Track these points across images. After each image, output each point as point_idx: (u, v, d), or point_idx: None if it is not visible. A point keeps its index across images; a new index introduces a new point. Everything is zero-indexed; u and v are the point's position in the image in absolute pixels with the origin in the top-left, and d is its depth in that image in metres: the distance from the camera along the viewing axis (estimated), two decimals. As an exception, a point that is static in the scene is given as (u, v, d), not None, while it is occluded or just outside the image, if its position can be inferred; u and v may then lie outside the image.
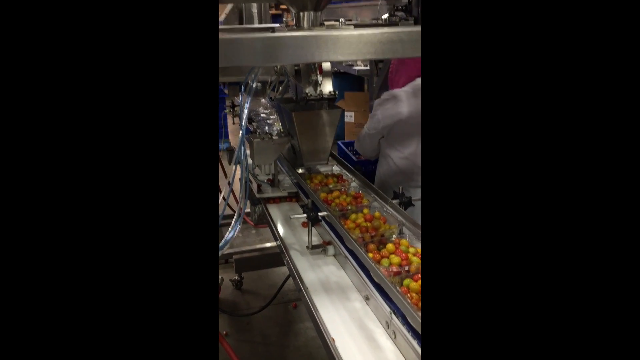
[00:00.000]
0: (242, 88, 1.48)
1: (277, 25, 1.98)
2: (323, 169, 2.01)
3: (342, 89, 4.61)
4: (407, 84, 2.23)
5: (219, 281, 3.32)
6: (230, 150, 2.93)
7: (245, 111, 1.48)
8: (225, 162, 3.67)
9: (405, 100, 2.13)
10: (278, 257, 1.67)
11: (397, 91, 2.17)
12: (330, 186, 1.75)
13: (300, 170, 1.94)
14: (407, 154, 2.16)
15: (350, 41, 1.11)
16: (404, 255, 1.28)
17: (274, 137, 1.87)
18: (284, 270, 3.23)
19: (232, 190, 2.23)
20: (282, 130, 2.08)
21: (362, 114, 4.42)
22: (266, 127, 2.28)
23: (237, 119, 3.21)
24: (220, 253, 1.45)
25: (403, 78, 2.27)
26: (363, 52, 1.13)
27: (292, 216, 1.54)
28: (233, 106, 3.21)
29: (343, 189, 1.73)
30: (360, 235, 1.38)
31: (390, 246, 1.32)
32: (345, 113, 4.44)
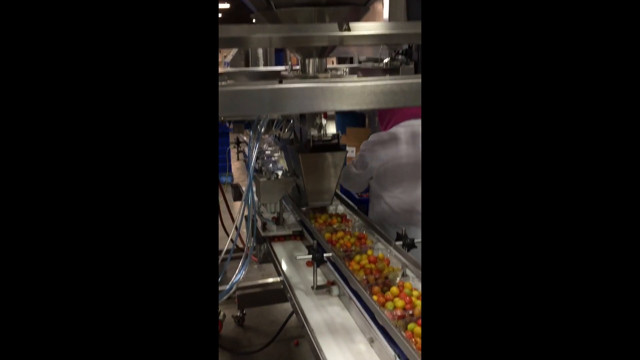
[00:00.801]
0: (251, 133, 1.53)
1: (283, 68, 2.05)
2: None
3: (344, 124, 4.70)
4: (397, 124, 2.31)
5: (221, 317, 3.31)
6: (235, 187, 2.97)
7: (254, 156, 1.52)
8: (229, 197, 3.70)
9: (393, 144, 2.22)
10: (280, 293, 1.68)
11: (385, 134, 2.25)
12: (335, 226, 1.79)
13: (304, 209, 1.98)
14: (398, 194, 2.22)
15: (355, 92, 1.16)
16: (407, 298, 1.30)
17: (280, 177, 1.91)
18: (285, 306, 3.21)
19: (236, 227, 2.26)
20: (286, 169, 2.13)
21: (363, 149, 4.50)
22: (270, 165, 2.33)
23: (241, 155, 3.28)
24: (227, 296, 1.47)
25: (394, 119, 2.36)
26: (367, 102, 1.18)
27: (297, 257, 1.57)
28: (238, 142, 3.28)
29: (347, 229, 1.76)
30: (364, 277, 1.40)
31: (394, 289, 1.34)
32: (347, 148, 4.50)
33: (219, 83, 1.19)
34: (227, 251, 1.61)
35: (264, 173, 1.98)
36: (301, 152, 1.81)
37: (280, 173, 1.96)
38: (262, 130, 1.56)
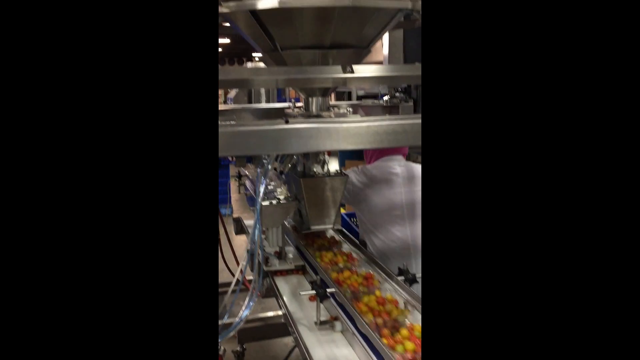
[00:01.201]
0: (258, 170, 1.56)
1: (286, 105, 2.11)
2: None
3: (343, 157, 4.77)
4: (379, 159, 2.41)
5: (221, 352, 3.26)
6: (237, 220, 2.98)
7: (261, 192, 1.55)
8: (230, 229, 3.71)
9: (384, 183, 2.32)
10: (282, 327, 1.68)
11: (374, 170, 2.34)
12: (340, 265, 1.80)
13: (304, 237, 2.00)
14: (394, 231, 2.31)
15: (358, 132, 1.21)
16: (418, 341, 1.30)
17: (281, 201, 1.93)
18: (286, 340, 3.18)
19: (237, 261, 2.27)
20: (288, 194, 2.16)
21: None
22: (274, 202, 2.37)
23: (242, 188, 3.30)
24: (233, 332, 1.48)
25: (377, 152, 2.47)
26: (370, 142, 1.22)
27: (301, 292, 1.58)
28: (239, 176, 3.31)
29: (353, 268, 1.77)
30: (373, 320, 1.40)
31: (404, 332, 1.34)
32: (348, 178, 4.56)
33: (227, 122, 1.23)
34: (235, 283, 1.62)
35: (265, 197, 2.01)
36: (302, 177, 1.85)
37: (282, 197, 1.99)
38: (270, 167, 1.60)
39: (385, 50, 2.09)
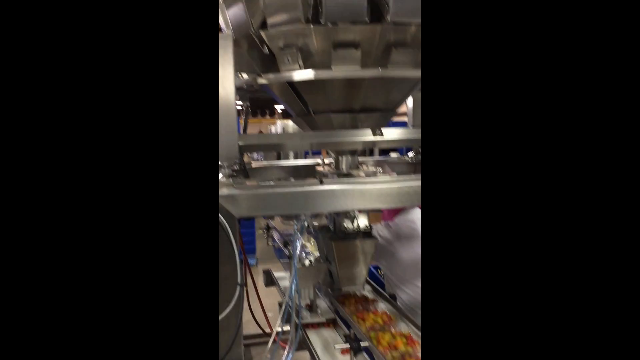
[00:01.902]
0: (295, 227, 1.64)
1: (315, 161, 2.21)
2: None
3: (367, 207, 4.84)
4: (395, 216, 2.51)
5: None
6: (267, 273, 3.04)
7: (298, 250, 1.62)
8: (259, 281, 3.75)
9: (409, 238, 2.38)
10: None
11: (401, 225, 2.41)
12: (380, 326, 1.80)
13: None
14: (411, 293, 2.37)
15: (388, 193, 1.29)
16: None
17: (313, 263, 2.00)
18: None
19: (264, 313, 2.32)
20: (319, 255, 2.22)
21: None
22: (303, 254, 2.43)
23: (270, 240, 3.38)
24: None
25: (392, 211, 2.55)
26: (396, 202, 1.31)
27: (335, 346, 1.62)
28: (267, 228, 3.40)
29: (393, 330, 1.77)
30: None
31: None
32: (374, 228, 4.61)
33: (266, 183, 1.33)
34: (274, 336, 1.66)
35: (298, 260, 2.08)
36: (334, 239, 1.92)
37: (313, 259, 2.05)
38: (306, 224, 1.68)
39: (410, 110, 2.19)
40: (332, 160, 1.91)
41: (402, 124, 2.58)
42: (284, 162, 2.38)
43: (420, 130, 1.75)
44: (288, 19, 1.38)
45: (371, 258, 1.97)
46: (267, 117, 12.50)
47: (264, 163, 2.46)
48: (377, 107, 1.61)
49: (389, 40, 1.40)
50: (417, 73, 1.47)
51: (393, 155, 2.66)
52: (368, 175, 1.65)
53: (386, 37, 1.39)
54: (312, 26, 1.36)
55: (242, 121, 2.01)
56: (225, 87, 1.29)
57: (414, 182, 1.28)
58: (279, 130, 3.20)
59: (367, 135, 1.48)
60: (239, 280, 1.17)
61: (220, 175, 1.40)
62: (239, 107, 1.88)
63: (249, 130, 1.96)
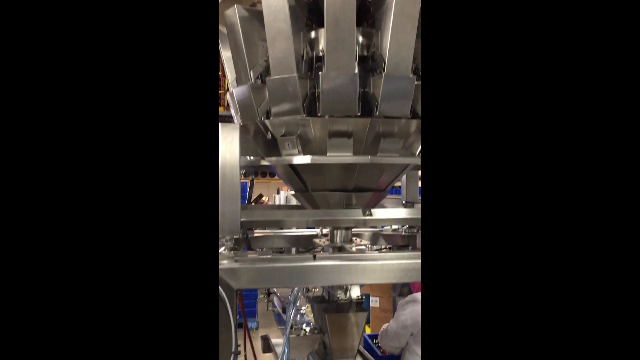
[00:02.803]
0: (289, 297, 1.75)
1: (314, 232, 2.33)
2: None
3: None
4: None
5: None
6: (265, 339, 3.09)
7: (291, 318, 1.72)
8: (258, 346, 3.76)
9: None
10: None
11: (419, 295, 2.45)
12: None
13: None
14: None
15: (380, 269, 1.41)
16: None
17: (308, 334, 2.08)
18: None
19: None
20: (314, 323, 2.30)
21: (386, 299, 4.61)
22: (298, 317, 2.49)
23: (270, 304, 3.43)
24: None
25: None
26: (387, 278, 1.42)
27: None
28: (268, 293, 3.47)
29: None
30: None
31: None
32: (371, 298, 4.63)
33: (265, 256, 1.45)
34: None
35: (292, 327, 2.15)
36: (327, 312, 2.01)
37: (308, 329, 2.12)
38: (299, 295, 1.78)
39: (404, 186, 2.33)
40: (328, 231, 2.04)
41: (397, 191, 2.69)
42: (285, 232, 2.50)
43: (410, 210, 1.89)
44: (289, 109, 1.57)
45: (363, 329, 2.05)
46: (276, 178, 12.77)
47: (265, 232, 2.59)
48: (369, 187, 1.76)
49: (378, 131, 1.58)
50: (404, 160, 1.63)
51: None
52: (360, 249, 1.77)
53: (375, 128, 1.57)
54: (310, 118, 1.54)
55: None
56: (231, 167, 1.45)
57: (402, 261, 1.41)
58: (282, 199, 3.36)
59: (358, 215, 1.62)
60: (233, 348, 1.27)
61: (222, 248, 1.53)
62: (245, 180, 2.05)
63: (255, 190, 2.10)
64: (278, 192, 7.41)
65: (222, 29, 1.80)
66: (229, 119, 1.77)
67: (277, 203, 3.69)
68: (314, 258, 1.44)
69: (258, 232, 2.45)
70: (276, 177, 2.00)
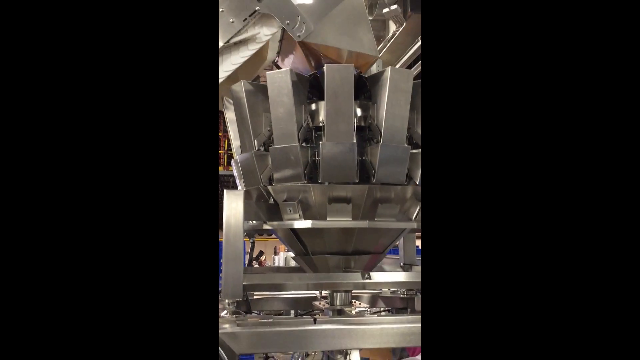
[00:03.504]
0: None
1: (315, 293, 2.35)
2: None
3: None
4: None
5: None
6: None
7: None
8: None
9: None
10: None
11: (418, 358, 2.43)
12: None
13: None
14: None
15: (378, 334, 1.43)
16: None
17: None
18: None
19: None
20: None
21: (387, 363, 4.50)
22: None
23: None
24: None
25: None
26: (385, 342, 1.44)
27: None
28: (266, 357, 3.42)
29: None
30: None
31: None
32: (371, 362, 4.53)
33: (266, 319, 1.48)
34: None
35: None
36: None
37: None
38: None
39: (401, 248, 2.37)
40: (327, 293, 2.06)
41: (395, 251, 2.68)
42: (284, 294, 2.52)
43: (408, 273, 1.93)
44: (291, 176, 1.65)
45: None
46: (273, 236, 12.72)
47: (264, 294, 2.60)
48: (368, 250, 1.81)
49: (375, 197, 1.65)
50: (401, 225, 1.70)
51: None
52: (359, 312, 1.79)
53: (373, 194, 1.64)
54: (311, 184, 1.62)
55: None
56: (235, 232, 1.51)
57: (401, 324, 1.44)
58: (282, 260, 3.38)
59: (357, 279, 1.66)
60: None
61: (224, 312, 1.56)
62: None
63: (257, 248, 2.14)
64: (276, 252, 7.41)
65: (228, 100, 1.92)
66: (227, 179, 1.85)
67: (276, 264, 3.70)
68: (315, 322, 1.47)
69: (257, 294, 2.46)
70: (273, 234, 2.05)
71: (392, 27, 6.63)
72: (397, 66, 5.37)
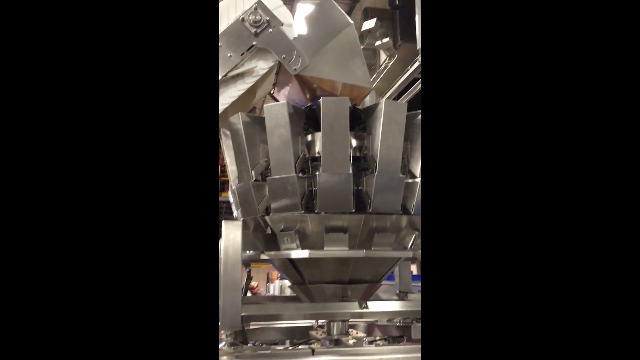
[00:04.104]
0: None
1: (311, 323, 2.34)
2: None
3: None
4: None
5: None
6: None
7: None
8: None
9: None
10: None
11: None
12: None
13: None
14: None
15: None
16: None
17: None
18: None
19: None
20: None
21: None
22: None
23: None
24: None
25: None
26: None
27: None
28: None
29: None
30: None
31: None
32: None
33: (262, 351, 1.47)
34: None
35: None
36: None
37: None
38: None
39: (397, 276, 2.38)
40: (323, 322, 2.06)
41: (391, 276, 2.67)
42: (280, 324, 2.50)
43: (405, 302, 1.94)
44: (288, 206, 1.67)
45: None
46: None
47: (260, 324, 2.58)
48: (364, 279, 1.83)
49: (372, 226, 1.68)
50: (397, 254, 1.72)
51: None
52: (356, 342, 1.79)
53: (369, 224, 1.67)
54: (308, 214, 1.65)
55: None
56: (233, 263, 1.51)
57: (399, 354, 1.44)
58: (277, 288, 3.36)
59: (355, 308, 1.67)
60: None
61: (222, 344, 1.55)
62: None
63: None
64: (269, 279, 7.34)
65: (224, 132, 1.95)
66: (220, 205, 1.86)
67: (271, 293, 3.67)
68: (313, 353, 1.47)
69: (253, 324, 2.44)
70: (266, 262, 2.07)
71: (383, 55, 6.79)
72: (389, 94, 5.48)
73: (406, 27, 5.64)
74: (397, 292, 2.25)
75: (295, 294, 2.08)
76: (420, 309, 1.63)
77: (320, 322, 2.25)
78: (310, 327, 2.24)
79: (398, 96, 5.56)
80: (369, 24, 3.70)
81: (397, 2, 5.96)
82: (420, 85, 5.25)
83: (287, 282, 2.88)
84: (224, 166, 2.02)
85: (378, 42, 3.87)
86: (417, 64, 4.89)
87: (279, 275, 5.91)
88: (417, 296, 2.14)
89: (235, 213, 1.94)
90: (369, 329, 2.20)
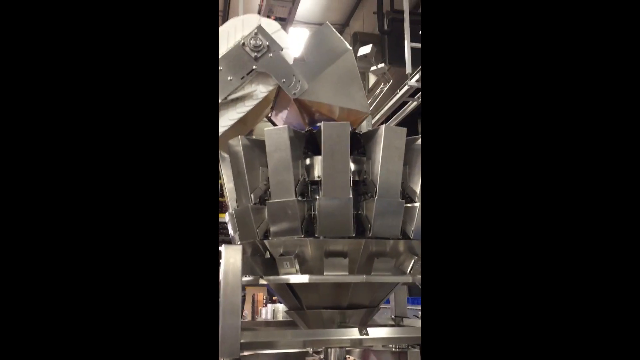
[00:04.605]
0: None
1: (306, 350, 2.30)
2: None
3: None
4: None
5: None
6: None
7: None
8: None
9: None
10: None
11: None
12: None
13: None
14: None
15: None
16: None
17: None
18: None
19: None
20: None
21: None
22: None
23: None
24: None
25: None
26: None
27: None
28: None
29: None
30: None
31: None
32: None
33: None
34: None
35: None
36: None
37: None
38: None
39: (392, 301, 2.37)
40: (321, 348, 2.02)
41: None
42: (275, 350, 2.46)
43: (405, 328, 1.93)
44: (288, 230, 1.66)
45: None
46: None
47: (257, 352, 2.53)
48: (363, 304, 1.81)
49: (371, 251, 1.67)
50: (397, 279, 1.71)
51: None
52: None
53: (369, 248, 1.66)
54: (307, 239, 1.63)
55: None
56: (232, 288, 1.49)
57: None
58: (270, 313, 3.32)
59: (354, 334, 1.64)
60: None
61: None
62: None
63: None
64: (253, 301, 7.22)
65: (222, 154, 1.94)
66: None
67: (263, 318, 3.62)
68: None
69: (247, 352, 2.40)
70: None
71: (372, 79, 6.88)
72: (377, 117, 5.53)
73: (395, 51, 5.77)
74: (393, 316, 2.24)
75: (290, 319, 2.05)
76: (419, 335, 1.62)
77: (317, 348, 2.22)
78: (306, 353, 2.21)
79: (387, 119, 5.63)
80: (365, 49, 3.78)
81: (386, 27, 6.10)
82: (408, 108, 5.34)
83: (279, 306, 2.85)
84: (220, 188, 2.00)
85: (373, 68, 3.95)
86: (405, 87, 4.97)
87: (265, 297, 5.82)
88: (412, 321, 2.12)
89: (232, 237, 1.92)
90: (364, 355, 2.18)
